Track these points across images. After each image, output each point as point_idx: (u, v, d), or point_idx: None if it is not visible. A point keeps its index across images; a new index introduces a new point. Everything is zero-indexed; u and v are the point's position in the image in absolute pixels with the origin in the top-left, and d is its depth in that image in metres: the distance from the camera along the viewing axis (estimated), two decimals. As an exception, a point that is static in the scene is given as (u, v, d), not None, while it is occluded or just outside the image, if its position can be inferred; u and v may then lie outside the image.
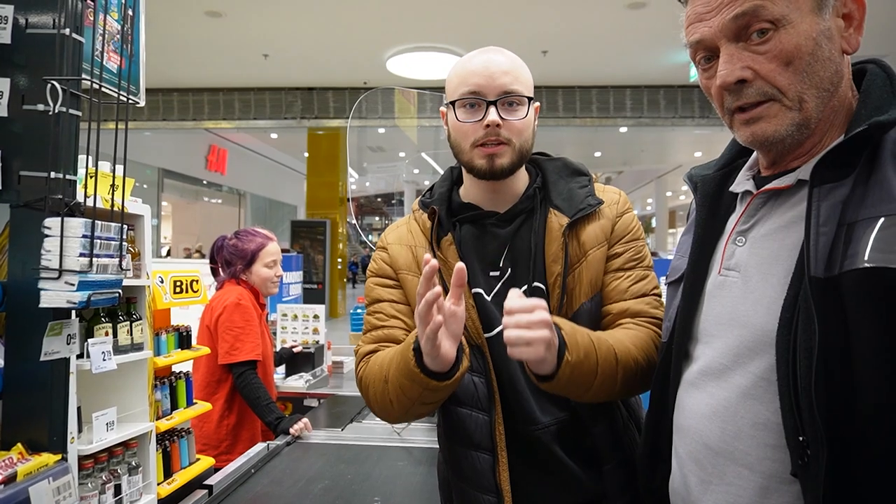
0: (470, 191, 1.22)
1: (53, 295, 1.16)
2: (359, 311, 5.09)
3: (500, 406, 1.12)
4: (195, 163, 13.74)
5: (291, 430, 2.32)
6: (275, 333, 3.66)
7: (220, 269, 2.68)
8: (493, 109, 1.10)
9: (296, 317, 3.62)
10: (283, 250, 6.60)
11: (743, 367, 0.83)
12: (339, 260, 12.38)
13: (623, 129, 10.26)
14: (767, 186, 0.86)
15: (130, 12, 1.51)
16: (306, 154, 12.25)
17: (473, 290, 1.15)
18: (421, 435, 2.46)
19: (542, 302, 0.96)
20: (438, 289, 0.92)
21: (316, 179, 11.93)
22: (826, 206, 0.74)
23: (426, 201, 1.25)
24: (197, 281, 1.80)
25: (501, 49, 1.18)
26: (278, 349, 3.41)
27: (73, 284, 1.16)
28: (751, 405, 0.81)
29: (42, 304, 1.16)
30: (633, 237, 1.20)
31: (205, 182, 14.93)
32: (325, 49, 7.92)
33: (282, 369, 3.37)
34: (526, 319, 0.93)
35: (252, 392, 2.40)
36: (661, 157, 16.42)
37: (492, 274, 1.17)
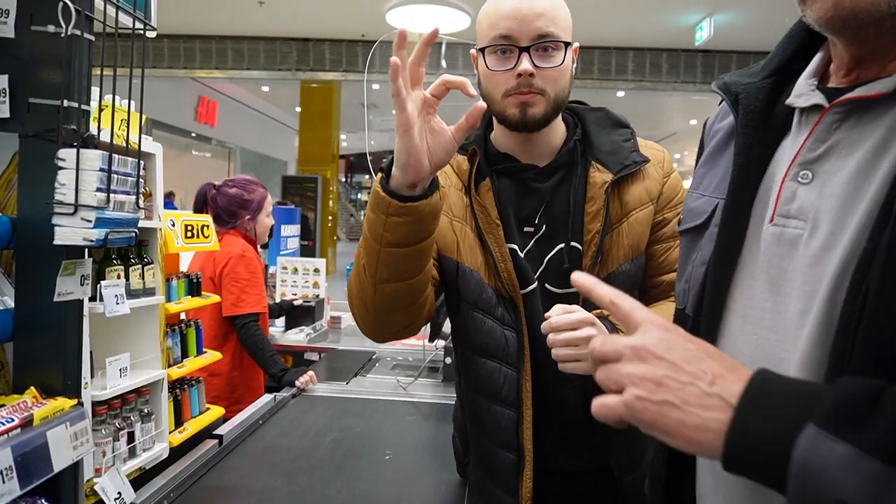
0: (503, 140, 1.15)
1: (69, 232, 1.09)
2: (355, 267, 5.04)
3: (529, 363, 1.08)
4: (184, 114, 13.40)
5: (297, 382, 2.30)
6: (274, 286, 3.61)
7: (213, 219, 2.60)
8: (525, 57, 1.01)
9: (296, 270, 3.56)
10: (280, 203, 6.51)
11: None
12: (330, 217, 12.24)
13: (620, 94, 10.12)
14: (850, 95, 0.58)
15: (142, -66, 1.41)
16: (298, 108, 11.99)
17: (509, 246, 1.09)
18: (427, 390, 2.44)
19: (586, 316, 0.92)
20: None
21: (308, 135, 11.70)
22: None
23: (464, 144, 1.15)
24: (207, 226, 1.73)
25: None
26: (278, 301, 3.37)
27: (89, 221, 1.09)
28: None
29: (56, 242, 1.09)
30: (680, 200, 1.14)
31: (194, 135, 14.60)
32: (323, -2, 7.67)
33: (281, 322, 3.33)
34: (573, 337, 0.91)
35: (256, 343, 2.37)
36: (656, 124, 16.30)
37: (526, 230, 1.11)
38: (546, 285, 1.10)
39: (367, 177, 27.16)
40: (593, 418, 1.13)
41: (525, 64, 1.01)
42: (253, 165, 17.14)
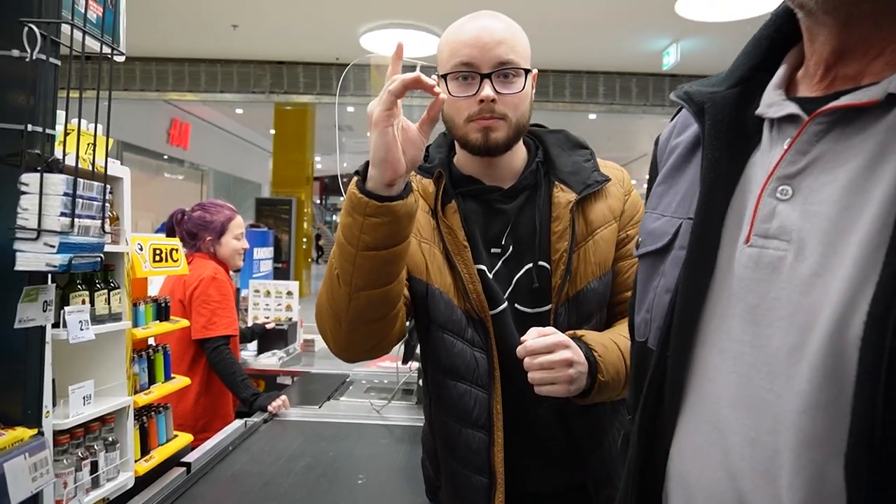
0: (466, 164, 1.17)
1: (31, 257, 1.07)
2: (329, 290, 4.99)
3: (499, 384, 1.08)
4: (156, 137, 13.25)
5: (270, 407, 2.26)
6: (246, 310, 3.57)
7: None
8: (487, 83, 1.04)
9: (268, 293, 3.53)
10: (253, 225, 6.47)
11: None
12: (304, 239, 12.16)
13: (592, 117, 10.29)
14: (838, 103, 0.52)
15: (111, -41, 1.41)
16: (272, 131, 11.97)
17: (477, 267, 1.10)
18: (401, 413, 2.42)
19: (561, 339, 0.96)
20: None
21: (282, 157, 11.67)
22: None
23: (426, 166, 1.17)
24: (177, 250, 1.71)
25: (497, 14, 1.10)
26: (250, 325, 3.33)
27: (52, 246, 1.07)
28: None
29: (18, 267, 1.07)
30: (641, 217, 1.18)
31: (166, 157, 14.44)
32: (297, 22, 7.70)
33: (254, 346, 3.29)
34: (548, 361, 0.94)
35: (227, 367, 2.33)
36: (627, 146, 16.59)
37: (493, 251, 1.12)
38: (516, 305, 1.11)
39: (340, 199, 27.04)
40: (568, 436, 1.14)
41: (487, 90, 1.03)
42: (226, 188, 16.99)
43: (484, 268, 1.11)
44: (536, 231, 1.11)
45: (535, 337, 0.95)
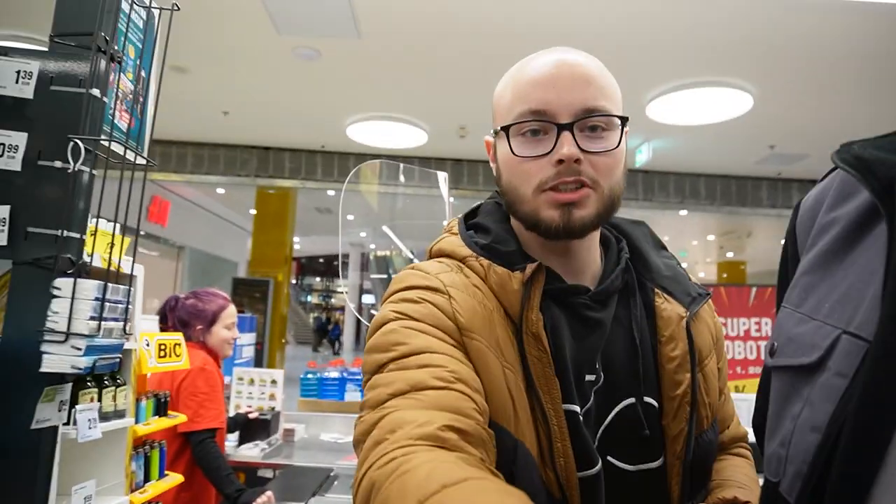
0: (532, 247, 0.84)
1: (56, 359, 1.11)
2: (309, 375, 4.91)
3: None
4: (135, 214, 13.29)
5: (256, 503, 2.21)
6: (229, 398, 3.51)
7: (171, 330, 2.58)
8: (568, 137, 0.74)
9: (252, 381, 3.49)
10: (237, 311, 6.43)
11: None
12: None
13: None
14: None
15: (143, 73, 1.53)
16: (253, 211, 12.12)
17: (566, 407, 0.73)
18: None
19: None
20: None
21: (262, 237, 11.76)
22: None
23: (498, 249, 0.81)
24: (179, 345, 1.74)
25: (575, 50, 0.80)
26: (232, 414, 3.28)
27: (79, 349, 1.11)
28: None
29: (44, 369, 1.10)
30: (723, 344, 0.93)
31: (143, 233, 14.43)
32: (286, 111, 8.00)
33: (234, 437, 3.22)
34: None
35: (212, 461, 2.29)
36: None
37: (587, 378, 0.78)
38: (609, 458, 0.77)
39: (317, 279, 27.01)
40: None
41: (569, 147, 0.74)
42: (202, 265, 16.89)
43: (575, 408, 0.74)
44: (638, 351, 0.80)
45: None
